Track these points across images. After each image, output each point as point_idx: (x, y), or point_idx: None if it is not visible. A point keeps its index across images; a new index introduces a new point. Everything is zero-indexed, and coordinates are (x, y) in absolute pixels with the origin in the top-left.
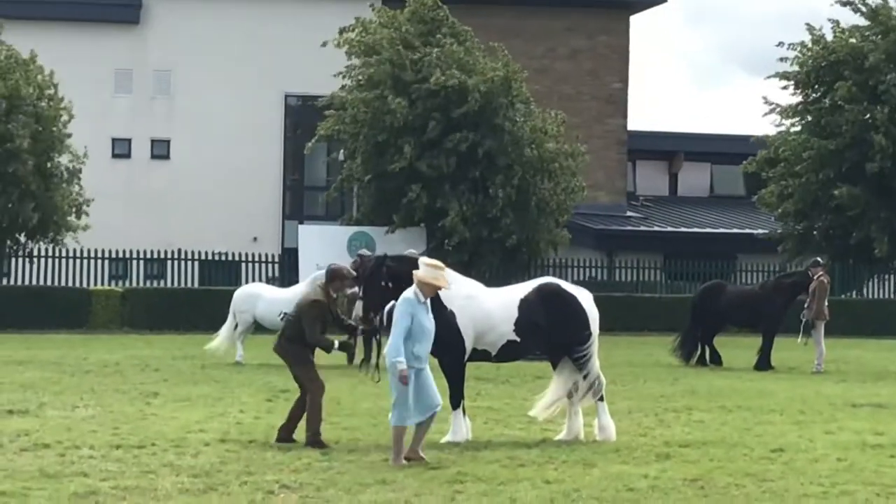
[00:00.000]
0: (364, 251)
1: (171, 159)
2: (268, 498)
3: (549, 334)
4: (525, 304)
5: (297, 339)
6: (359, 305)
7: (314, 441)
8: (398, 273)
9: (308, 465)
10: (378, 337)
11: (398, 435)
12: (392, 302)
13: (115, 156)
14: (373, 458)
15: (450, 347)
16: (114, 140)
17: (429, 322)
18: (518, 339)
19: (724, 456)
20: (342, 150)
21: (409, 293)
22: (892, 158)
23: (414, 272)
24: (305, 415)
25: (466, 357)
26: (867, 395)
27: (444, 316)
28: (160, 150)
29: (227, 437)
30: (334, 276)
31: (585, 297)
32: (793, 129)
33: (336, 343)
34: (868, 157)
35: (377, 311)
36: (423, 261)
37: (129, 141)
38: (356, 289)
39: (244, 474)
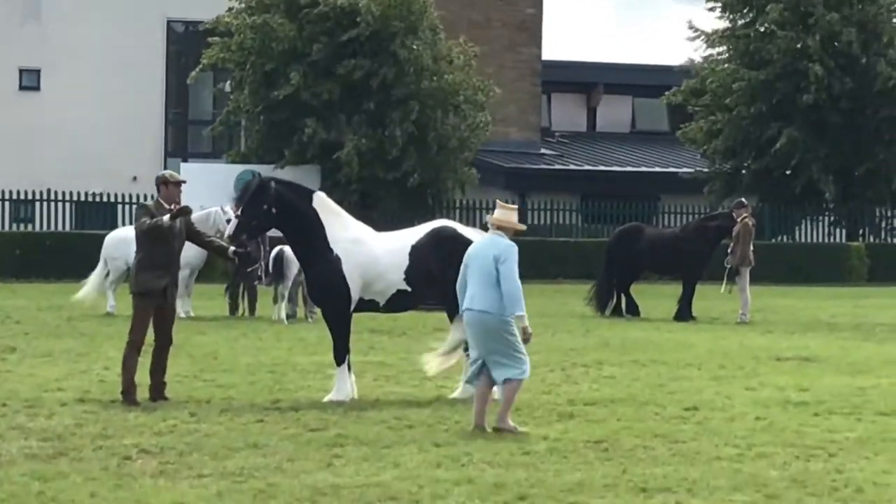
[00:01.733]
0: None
1: (42, 91)
2: (124, 464)
3: (443, 283)
4: (417, 251)
5: (134, 281)
6: (232, 224)
7: (124, 399)
8: (286, 199)
9: (173, 428)
10: (260, 282)
11: (477, 394)
12: (280, 248)
13: None
14: (245, 420)
15: (334, 296)
16: None
17: (480, 259)
18: (409, 289)
19: (632, 415)
20: (229, 81)
21: (491, 239)
22: (827, 90)
23: (488, 217)
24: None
25: (353, 307)
26: (794, 348)
27: (328, 261)
28: (29, 80)
29: (87, 397)
30: (158, 181)
31: None
32: (720, 59)
33: (166, 218)
34: (802, 89)
35: (252, 235)
36: (499, 203)
37: None
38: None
39: (100, 437)
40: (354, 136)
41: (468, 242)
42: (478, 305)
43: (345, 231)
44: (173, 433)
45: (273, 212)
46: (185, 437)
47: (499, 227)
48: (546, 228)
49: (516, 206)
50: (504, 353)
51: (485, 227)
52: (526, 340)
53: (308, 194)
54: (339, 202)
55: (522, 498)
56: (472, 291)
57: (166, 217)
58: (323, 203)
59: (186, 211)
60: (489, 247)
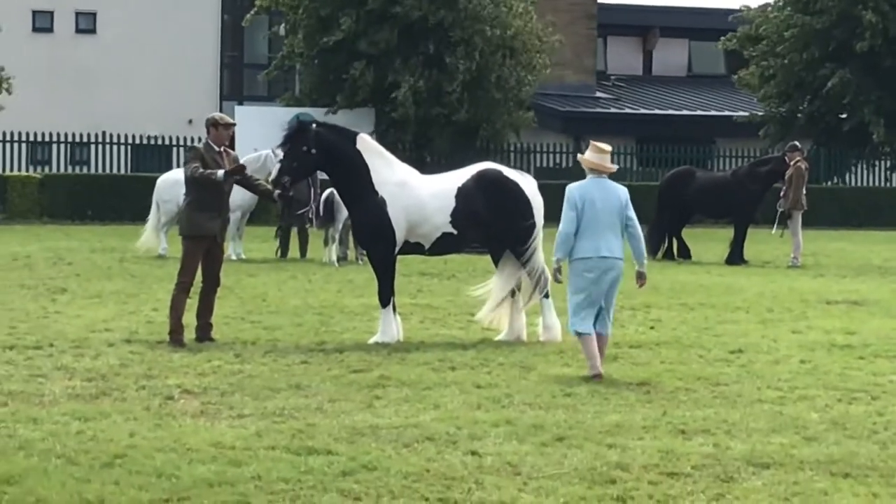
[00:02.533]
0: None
1: (98, 33)
2: (165, 404)
3: (488, 226)
4: (463, 193)
5: (184, 223)
6: (276, 168)
7: (171, 339)
8: (328, 141)
9: (217, 369)
10: (310, 225)
11: (584, 343)
12: (331, 190)
13: (35, 30)
14: (289, 361)
15: (378, 238)
16: (34, 13)
17: (604, 206)
18: (455, 232)
19: (676, 358)
20: (283, 25)
21: (599, 182)
22: (882, 35)
23: (579, 156)
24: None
25: (397, 250)
26: (844, 292)
27: (373, 203)
28: (86, 23)
29: (134, 338)
30: (208, 123)
31: (529, 184)
32: (777, 7)
33: (220, 173)
34: (856, 35)
35: (295, 177)
36: (593, 143)
37: (51, 14)
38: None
39: (144, 378)
40: (410, 74)
41: (514, 185)
42: (613, 253)
43: (390, 173)
44: (216, 374)
45: (313, 153)
46: (228, 377)
47: (591, 170)
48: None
49: (610, 148)
50: (612, 304)
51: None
52: (643, 285)
53: (352, 136)
54: (393, 143)
55: (560, 439)
56: (599, 238)
57: (220, 172)
58: (367, 145)
59: (242, 169)
60: (609, 191)
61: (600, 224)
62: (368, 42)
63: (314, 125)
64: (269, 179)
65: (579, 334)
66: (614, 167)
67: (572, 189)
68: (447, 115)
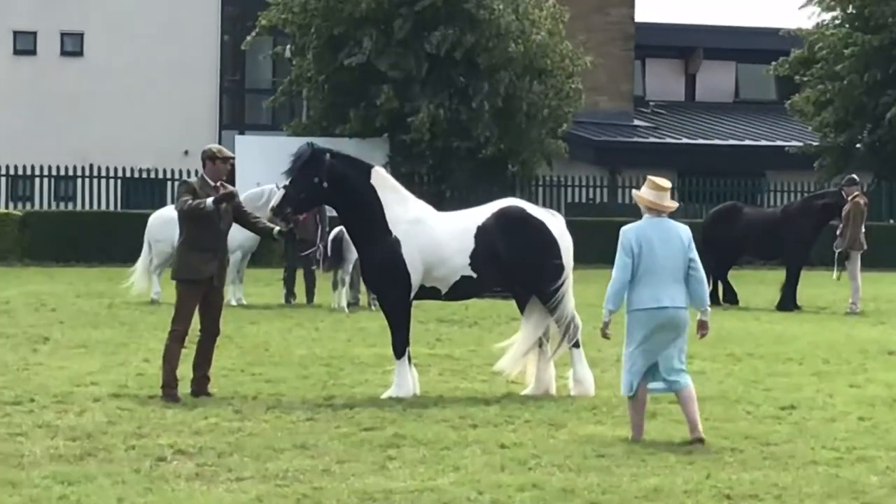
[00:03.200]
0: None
1: (85, 56)
2: (157, 466)
3: (511, 269)
4: (483, 233)
5: (177, 266)
6: (277, 196)
7: (163, 394)
8: (340, 173)
9: (214, 426)
10: (317, 267)
11: (631, 406)
12: (340, 229)
13: (17, 52)
14: (294, 418)
15: (392, 282)
16: (15, 33)
17: (665, 250)
18: (474, 275)
19: (722, 414)
20: (289, 46)
21: (660, 223)
22: None
23: (635, 193)
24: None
25: (413, 295)
26: None
27: (385, 243)
28: (72, 45)
29: (123, 392)
30: (204, 156)
31: (556, 223)
32: (833, 24)
33: (209, 201)
34: None
35: (299, 210)
36: (651, 179)
37: (34, 35)
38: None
39: (134, 437)
40: (429, 103)
41: (539, 223)
42: (675, 302)
43: (404, 210)
44: (213, 432)
45: (324, 185)
46: (227, 436)
47: (649, 208)
48: (638, 208)
49: (669, 184)
50: (682, 355)
51: (578, 206)
52: (704, 335)
53: (366, 168)
54: (408, 176)
55: None
56: (659, 286)
57: (210, 200)
58: (382, 179)
59: (232, 196)
60: (670, 232)
61: (660, 270)
62: (391, 65)
63: (328, 155)
64: (268, 208)
65: (632, 393)
66: (674, 205)
67: (627, 231)
68: (471, 148)
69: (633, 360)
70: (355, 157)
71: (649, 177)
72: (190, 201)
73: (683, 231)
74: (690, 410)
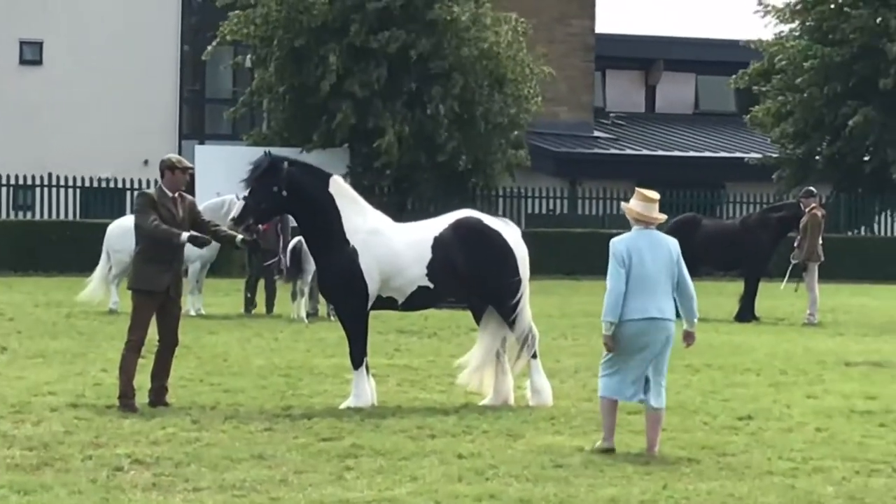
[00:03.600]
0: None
1: (44, 65)
2: (114, 476)
3: (469, 280)
4: (440, 243)
5: (133, 276)
6: (237, 206)
7: (120, 404)
8: (299, 182)
9: (171, 436)
10: (279, 277)
11: (604, 409)
12: (299, 239)
13: None
14: (252, 428)
15: (349, 292)
16: None
17: (654, 261)
18: (431, 286)
19: (679, 425)
20: (249, 56)
21: (648, 234)
22: None
23: (623, 205)
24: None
25: (370, 305)
26: (865, 352)
27: (343, 253)
28: (31, 53)
29: (81, 402)
30: (163, 166)
31: (512, 234)
32: (791, 36)
33: (185, 236)
34: (880, 71)
35: (260, 220)
36: (639, 191)
37: None
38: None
39: (91, 446)
40: (393, 120)
41: (495, 234)
42: (664, 313)
43: (362, 221)
44: (171, 442)
45: (284, 195)
46: (184, 446)
47: (637, 220)
48: (598, 219)
49: (658, 196)
50: (663, 372)
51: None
52: (689, 345)
53: (325, 177)
54: (370, 188)
55: None
56: (648, 297)
57: (185, 235)
58: (340, 189)
59: (205, 242)
60: (659, 244)
61: (649, 281)
62: (359, 83)
63: (286, 163)
64: (228, 219)
65: (603, 398)
66: (663, 217)
67: (618, 243)
68: (439, 162)
69: (616, 370)
70: (313, 165)
71: (637, 188)
72: (160, 224)
73: (672, 244)
74: (654, 432)
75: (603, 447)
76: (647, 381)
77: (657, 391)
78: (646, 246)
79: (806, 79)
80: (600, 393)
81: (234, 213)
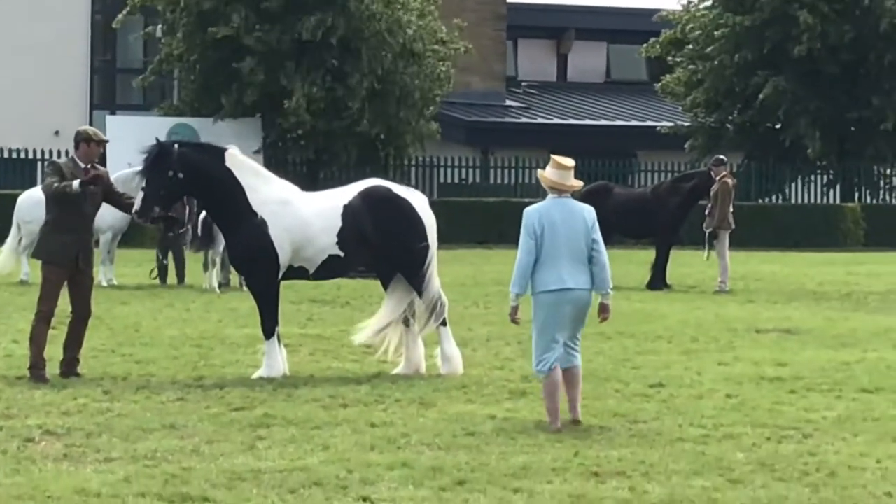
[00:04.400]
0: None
1: None
2: (25, 447)
3: (377, 247)
4: (350, 211)
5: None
6: (138, 199)
7: (31, 375)
8: (192, 162)
9: (83, 407)
10: (189, 248)
11: (546, 386)
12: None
13: None
14: (164, 398)
15: (260, 264)
16: None
17: (568, 231)
18: (342, 254)
19: (591, 392)
20: (160, 25)
21: (562, 203)
22: (820, 39)
23: (539, 172)
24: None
25: (280, 275)
26: (775, 319)
27: (252, 225)
28: None
29: None
30: (78, 138)
31: (419, 201)
32: (703, 5)
33: (75, 183)
34: (792, 38)
35: (164, 206)
36: (554, 159)
37: None
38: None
39: (2, 417)
40: (303, 83)
41: (403, 201)
42: (578, 283)
43: (268, 190)
44: (82, 413)
45: (181, 177)
46: (95, 417)
47: (552, 188)
48: (511, 188)
49: (573, 163)
50: (578, 334)
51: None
52: (605, 319)
53: (220, 153)
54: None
55: (461, 483)
56: (564, 267)
57: (76, 182)
58: (238, 161)
59: (100, 178)
60: (573, 212)
61: (562, 251)
62: (257, 39)
63: (176, 146)
64: (134, 212)
65: (544, 374)
66: (578, 184)
67: (530, 212)
68: (348, 126)
69: (545, 345)
70: (206, 143)
71: (553, 156)
72: (56, 183)
73: (588, 212)
74: (574, 392)
75: (555, 429)
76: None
77: (572, 352)
78: (559, 215)
79: (717, 47)
80: (543, 369)
81: (137, 205)
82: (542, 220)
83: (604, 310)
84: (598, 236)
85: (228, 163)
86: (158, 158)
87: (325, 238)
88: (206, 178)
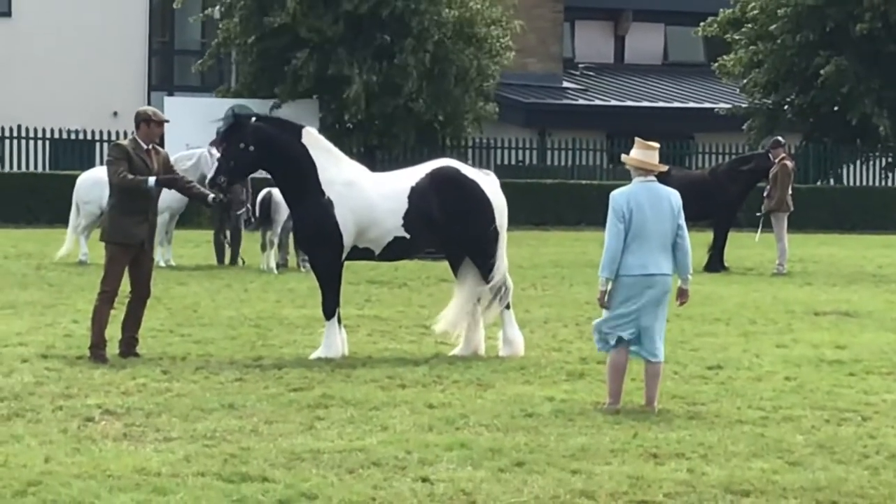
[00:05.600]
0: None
1: (13, 17)
2: (85, 426)
3: (445, 229)
4: (416, 193)
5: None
6: (213, 166)
7: (91, 355)
8: (268, 137)
9: (142, 387)
10: (247, 227)
11: (611, 366)
12: (268, 190)
13: None
14: (222, 378)
15: (324, 243)
16: None
17: (655, 215)
18: (408, 236)
19: None
20: (217, 7)
21: (648, 187)
22: (883, 18)
23: (623, 156)
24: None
25: (345, 256)
26: (834, 302)
27: (318, 204)
28: (0, 6)
29: (51, 353)
30: (139, 118)
31: (490, 184)
32: None
33: (151, 181)
34: (855, 17)
35: (233, 178)
36: (639, 141)
37: None
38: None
39: (62, 397)
40: (360, 70)
41: (472, 183)
42: (661, 269)
43: (338, 172)
44: (142, 392)
45: (251, 150)
46: (155, 396)
47: (637, 169)
48: (568, 170)
49: (658, 145)
50: (661, 326)
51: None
52: (683, 303)
53: (297, 130)
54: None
55: (519, 464)
56: (649, 251)
57: (151, 180)
58: (314, 140)
59: (174, 182)
60: (660, 197)
61: (649, 236)
62: (309, 28)
63: (253, 119)
64: (207, 180)
65: (608, 350)
66: (663, 166)
67: (617, 196)
68: (405, 107)
69: (613, 325)
70: (284, 118)
71: (637, 138)
72: (128, 175)
73: (674, 197)
74: (652, 385)
75: (611, 409)
76: (641, 335)
77: (654, 345)
78: (646, 199)
79: (779, 26)
80: (602, 348)
81: (211, 173)
82: (630, 203)
83: (682, 294)
84: (683, 222)
85: (305, 139)
86: (232, 130)
87: (390, 220)
88: (280, 153)
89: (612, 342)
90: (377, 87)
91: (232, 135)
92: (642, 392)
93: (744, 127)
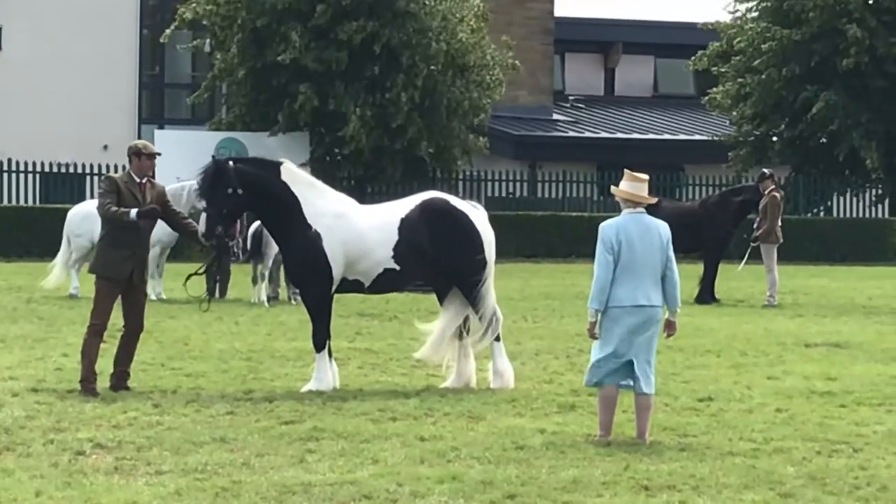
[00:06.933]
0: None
1: (3, 50)
2: (76, 460)
3: (434, 261)
4: (406, 225)
5: (97, 262)
6: (202, 221)
7: (82, 388)
8: (249, 177)
9: (133, 420)
10: (237, 260)
11: (602, 399)
12: (258, 223)
13: None
14: (213, 412)
15: (313, 276)
16: None
17: (644, 247)
18: (398, 268)
19: None
20: (209, 39)
21: (638, 219)
22: (869, 53)
23: (613, 188)
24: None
25: (334, 288)
26: (824, 333)
27: (306, 237)
28: None
29: (42, 387)
30: (130, 152)
31: (479, 216)
32: (750, 17)
33: (133, 213)
34: (841, 51)
35: (227, 225)
36: (627, 173)
37: None
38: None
39: (53, 431)
40: (356, 105)
41: (462, 215)
42: (651, 300)
43: (324, 204)
44: (133, 426)
45: (239, 193)
46: (146, 430)
47: (627, 201)
48: (558, 202)
49: (647, 177)
50: (651, 358)
51: (498, 200)
52: (671, 335)
53: (274, 167)
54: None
55: (511, 496)
56: (638, 283)
57: (133, 212)
58: (293, 175)
59: (156, 212)
60: (649, 228)
61: (638, 268)
62: (314, 59)
63: (230, 162)
64: (201, 235)
65: (597, 385)
66: (652, 199)
67: (607, 228)
68: (395, 142)
69: (604, 358)
70: (259, 157)
71: (626, 170)
72: (112, 207)
73: (663, 228)
74: (643, 418)
75: (602, 441)
76: (632, 366)
77: (645, 377)
78: (635, 231)
79: (764, 60)
80: (591, 381)
81: (201, 228)
82: (619, 235)
83: (670, 326)
84: (672, 253)
85: (284, 176)
86: (216, 177)
87: (380, 251)
88: (264, 192)
89: (599, 378)
90: (372, 123)
91: (216, 181)
92: (633, 424)
93: (730, 154)
